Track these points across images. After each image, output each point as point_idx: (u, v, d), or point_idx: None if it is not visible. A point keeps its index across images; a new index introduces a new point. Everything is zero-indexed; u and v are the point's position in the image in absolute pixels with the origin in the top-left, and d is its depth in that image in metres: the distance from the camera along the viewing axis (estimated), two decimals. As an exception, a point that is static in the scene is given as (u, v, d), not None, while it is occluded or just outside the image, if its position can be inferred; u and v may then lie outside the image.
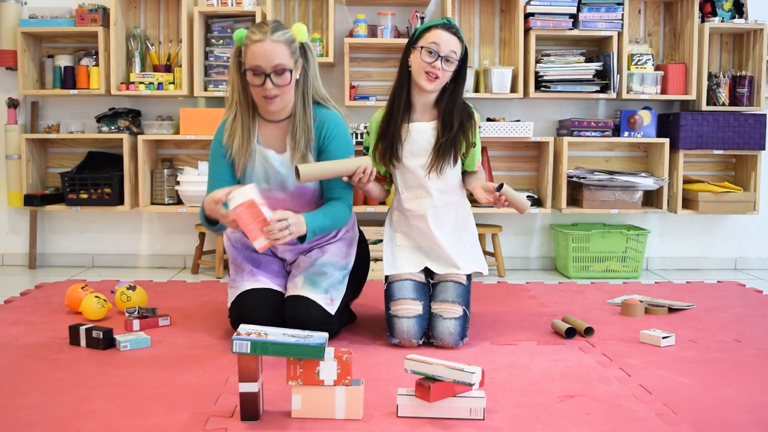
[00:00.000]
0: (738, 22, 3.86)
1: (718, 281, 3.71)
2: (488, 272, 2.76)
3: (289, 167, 2.40)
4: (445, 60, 2.41)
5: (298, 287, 2.40)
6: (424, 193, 2.52)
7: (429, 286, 2.55)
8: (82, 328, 2.41)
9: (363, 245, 2.64)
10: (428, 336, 2.45)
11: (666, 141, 3.86)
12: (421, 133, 2.50)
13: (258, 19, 3.75)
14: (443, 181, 2.51)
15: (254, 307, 2.37)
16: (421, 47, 2.41)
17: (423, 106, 2.52)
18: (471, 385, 1.77)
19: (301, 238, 2.27)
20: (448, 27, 2.44)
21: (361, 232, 2.66)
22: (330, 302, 2.38)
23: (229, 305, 2.47)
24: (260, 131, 2.44)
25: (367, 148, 2.60)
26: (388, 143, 2.51)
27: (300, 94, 2.40)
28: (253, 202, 2.12)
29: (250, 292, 2.40)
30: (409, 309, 2.41)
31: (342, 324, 2.58)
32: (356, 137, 3.81)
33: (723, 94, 3.93)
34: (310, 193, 2.43)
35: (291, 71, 2.31)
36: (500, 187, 2.38)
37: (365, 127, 3.80)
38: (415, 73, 2.44)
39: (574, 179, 3.85)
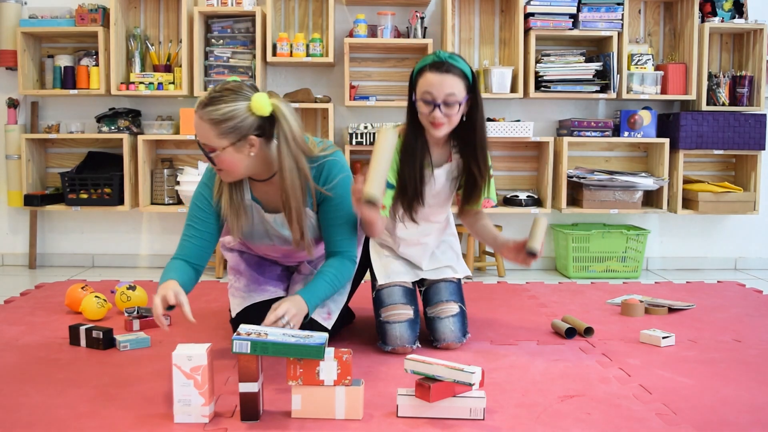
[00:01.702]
0: (738, 22, 3.86)
1: (718, 281, 3.71)
2: (470, 274, 2.68)
3: (288, 226, 2.23)
4: (444, 105, 2.19)
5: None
6: (424, 223, 2.42)
7: (417, 291, 2.50)
8: (82, 328, 2.41)
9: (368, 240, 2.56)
10: (431, 341, 2.42)
11: (666, 141, 3.86)
12: (438, 178, 2.37)
13: (258, 20, 3.75)
14: (444, 211, 2.47)
15: (263, 320, 2.20)
16: (417, 99, 2.22)
17: (436, 145, 2.35)
18: (471, 385, 1.76)
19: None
20: (438, 66, 2.19)
21: None
22: (327, 316, 2.32)
23: (233, 314, 2.43)
24: (252, 187, 2.24)
25: None
26: (410, 189, 2.30)
27: (279, 169, 2.11)
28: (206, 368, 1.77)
29: (259, 305, 2.36)
30: (400, 314, 2.35)
31: (343, 324, 2.57)
32: (356, 137, 3.81)
33: (723, 94, 3.93)
34: (316, 243, 2.33)
35: (216, 154, 2.03)
36: (533, 253, 2.22)
37: (365, 127, 3.80)
38: (422, 121, 2.26)
39: (574, 179, 3.85)
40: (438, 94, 2.18)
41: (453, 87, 2.18)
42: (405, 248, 2.48)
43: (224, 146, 2.02)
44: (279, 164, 2.10)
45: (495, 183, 2.55)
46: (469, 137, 2.31)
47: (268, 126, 2.07)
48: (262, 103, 2.03)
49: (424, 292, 2.51)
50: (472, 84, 2.24)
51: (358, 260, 2.30)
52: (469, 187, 2.40)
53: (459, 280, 2.52)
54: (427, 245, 2.50)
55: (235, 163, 2.07)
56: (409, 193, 2.31)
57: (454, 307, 2.41)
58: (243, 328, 1.82)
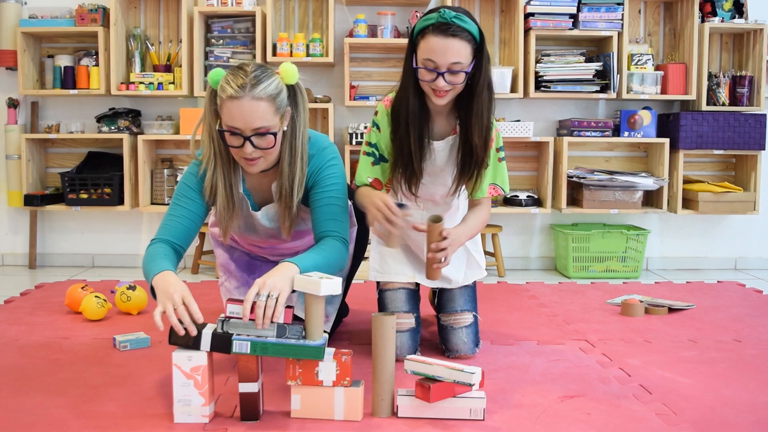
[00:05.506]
0: (738, 22, 3.86)
1: (718, 281, 3.71)
2: (486, 274, 2.54)
3: (276, 221, 2.17)
4: (449, 73, 1.98)
5: (293, 301, 2.33)
6: (430, 204, 2.27)
7: (419, 291, 2.39)
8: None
9: (361, 232, 2.45)
10: (440, 348, 2.36)
11: (666, 141, 3.86)
12: (438, 152, 2.16)
13: (258, 20, 3.75)
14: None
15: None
16: (419, 65, 2.02)
17: (440, 114, 2.15)
18: (471, 385, 1.77)
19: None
20: (443, 29, 1.95)
21: (359, 214, 2.43)
22: (325, 319, 2.30)
23: None
24: (245, 177, 2.14)
25: (374, 146, 2.17)
26: (405, 162, 2.10)
27: (287, 145, 2.04)
28: None
29: None
30: (402, 323, 2.25)
31: (339, 321, 2.57)
32: (356, 137, 3.81)
33: (723, 94, 3.93)
34: (308, 235, 2.23)
35: (275, 134, 1.94)
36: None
37: (365, 127, 3.80)
38: (422, 86, 2.06)
39: (574, 179, 3.85)
40: (442, 62, 1.96)
41: (459, 54, 1.96)
42: (412, 231, 2.24)
43: (278, 123, 1.95)
44: (290, 140, 2.03)
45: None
46: (469, 104, 2.07)
47: (291, 99, 2.01)
48: (292, 72, 1.97)
49: (438, 292, 2.40)
50: (479, 45, 2.01)
51: (351, 246, 2.13)
52: (465, 164, 2.12)
53: (474, 282, 2.40)
54: None
55: (278, 145, 1.97)
56: (404, 165, 2.09)
57: (468, 318, 2.32)
58: (243, 328, 1.81)
